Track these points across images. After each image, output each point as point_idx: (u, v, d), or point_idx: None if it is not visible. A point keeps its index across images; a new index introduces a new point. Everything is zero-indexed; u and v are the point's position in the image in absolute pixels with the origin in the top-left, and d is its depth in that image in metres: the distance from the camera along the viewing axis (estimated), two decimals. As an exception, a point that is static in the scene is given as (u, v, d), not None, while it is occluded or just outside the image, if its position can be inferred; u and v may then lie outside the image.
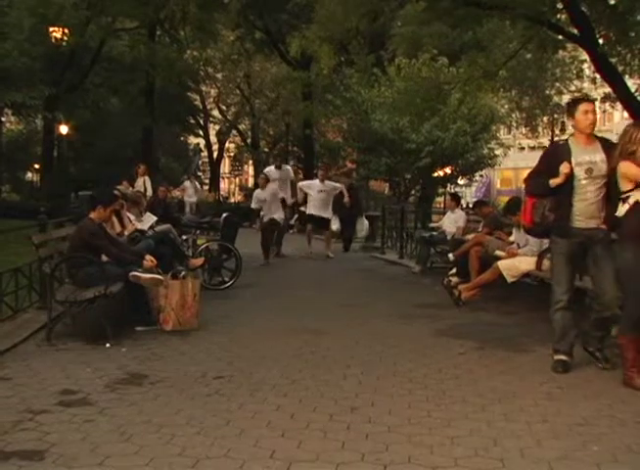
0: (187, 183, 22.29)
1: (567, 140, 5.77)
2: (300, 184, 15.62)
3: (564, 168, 5.46)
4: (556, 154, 5.71)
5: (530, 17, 11.27)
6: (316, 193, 14.27)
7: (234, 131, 44.69)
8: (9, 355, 5.90)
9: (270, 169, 15.60)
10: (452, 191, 19.65)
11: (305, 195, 14.75)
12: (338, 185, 15.00)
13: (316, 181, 14.91)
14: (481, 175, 26.42)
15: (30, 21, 19.52)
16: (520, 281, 8.31)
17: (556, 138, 35.71)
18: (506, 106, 29.28)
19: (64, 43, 20.45)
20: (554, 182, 5.50)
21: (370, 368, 5.65)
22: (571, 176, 5.47)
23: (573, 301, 5.75)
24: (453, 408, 4.66)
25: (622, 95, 12.23)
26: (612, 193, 5.46)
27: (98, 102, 28.24)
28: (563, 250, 5.66)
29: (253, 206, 13.79)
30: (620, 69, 13.10)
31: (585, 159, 5.51)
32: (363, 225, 16.72)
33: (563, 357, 5.64)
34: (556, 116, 33.58)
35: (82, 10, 20.58)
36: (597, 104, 32.47)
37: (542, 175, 5.68)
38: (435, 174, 20.67)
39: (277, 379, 5.29)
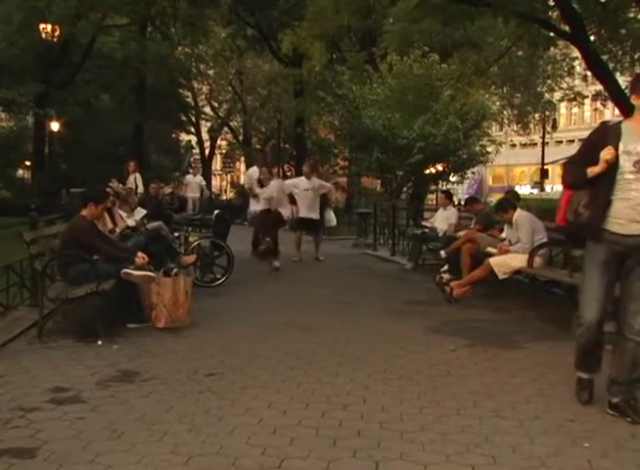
0: (189, 177, 21.05)
1: (619, 122, 4.57)
2: (287, 183, 14.14)
3: (606, 154, 4.32)
4: (601, 136, 4.49)
5: (522, 14, 11.30)
6: (302, 191, 13.01)
7: (226, 128, 44.64)
8: (-1, 353, 5.89)
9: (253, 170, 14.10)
10: (444, 188, 19.69)
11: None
12: (327, 184, 13.97)
13: (302, 178, 13.52)
14: (473, 172, 26.48)
15: (20, 15, 19.46)
16: (511, 278, 8.36)
17: (547, 135, 35.87)
18: (497, 103, 29.34)
19: (54, 38, 20.37)
20: (592, 171, 4.40)
21: (362, 365, 5.65)
22: (614, 166, 4.36)
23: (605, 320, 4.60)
24: (445, 405, 4.66)
25: (614, 92, 12.30)
26: None
27: (89, 99, 28.25)
28: (595, 258, 4.50)
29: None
30: (611, 66, 13.19)
31: (637, 148, 4.35)
32: (331, 216, 16.60)
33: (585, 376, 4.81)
34: (547, 113, 33.65)
35: (72, 1, 20.48)
36: (588, 101, 32.79)
37: (582, 162, 4.55)
38: (427, 171, 20.69)
39: (269, 376, 5.28)
